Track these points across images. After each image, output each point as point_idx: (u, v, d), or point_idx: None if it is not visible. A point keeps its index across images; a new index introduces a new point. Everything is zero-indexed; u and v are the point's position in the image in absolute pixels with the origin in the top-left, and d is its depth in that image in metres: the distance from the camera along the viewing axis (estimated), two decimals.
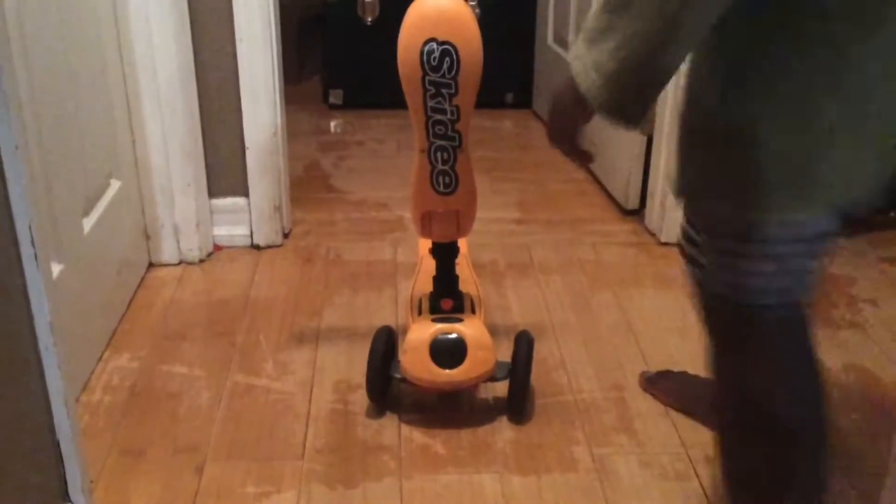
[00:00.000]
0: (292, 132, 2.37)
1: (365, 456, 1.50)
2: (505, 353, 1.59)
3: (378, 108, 3.11)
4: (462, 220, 1.52)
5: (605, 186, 2.53)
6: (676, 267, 2.14)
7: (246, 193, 2.15)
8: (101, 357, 1.75)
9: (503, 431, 1.56)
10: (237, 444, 1.52)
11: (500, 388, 1.61)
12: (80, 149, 1.69)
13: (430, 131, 1.41)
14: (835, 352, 1.79)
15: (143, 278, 2.03)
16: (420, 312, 1.58)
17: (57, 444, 1.20)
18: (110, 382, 1.68)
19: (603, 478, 1.45)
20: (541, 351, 1.78)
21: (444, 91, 1.37)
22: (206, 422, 1.57)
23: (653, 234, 2.26)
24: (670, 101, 2.14)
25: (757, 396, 1.08)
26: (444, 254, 1.57)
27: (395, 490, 1.42)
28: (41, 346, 1.14)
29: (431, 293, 1.58)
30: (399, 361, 1.55)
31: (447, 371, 1.49)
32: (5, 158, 1.06)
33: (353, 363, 1.74)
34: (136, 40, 1.90)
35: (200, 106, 2.05)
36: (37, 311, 1.13)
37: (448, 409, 1.62)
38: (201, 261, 2.11)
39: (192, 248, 2.09)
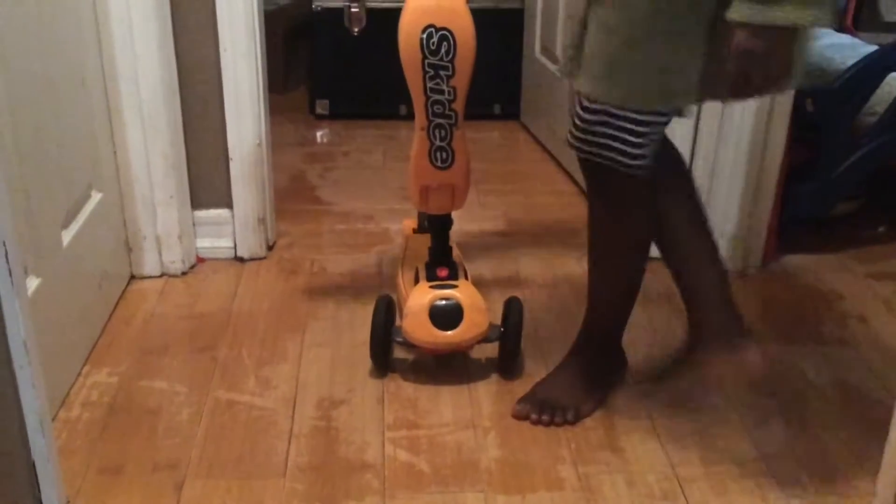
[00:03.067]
0: (278, 143, 2.35)
1: (348, 475, 1.47)
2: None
3: (364, 119, 3.09)
4: (457, 194, 1.66)
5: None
6: (662, 281, 2.12)
7: (230, 205, 2.12)
8: (79, 372, 1.71)
9: (488, 450, 1.54)
10: (217, 461, 1.49)
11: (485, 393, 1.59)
12: (59, 160, 1.66)
13: (430, 110, 1.55)
14: (823, 368, 1.78)
15: (124, 291, 2.00)
16: (417, 281, 1.71)
17: (32, 465, 1.17)
18: (89, 398, 1.64)
19: (589, 497, 1.43)
20: (528, 365, 1.76)
21: (442, 73, 1.51)
22: (186, 439, 1.54)
23: None
24: None
25: (629, 228, 1.53)
26: (440, 225, 1.71)
27: None
28: (15, 365, 1.11)
29: (427, 263, 1.71)
30: (400, 326, 1.68)
31: (445, 333, 1.63)
32: None
33: (337, 379, 1.71)
34: (118, 50, 1.87)
35: (183, 116, 2.02)
36: (11, 330, 1.10)
37: (436, 406, 1.60)
38: (184, 273, 2.08)
39: (175, 260, 2.06)
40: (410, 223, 2.07)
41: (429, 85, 1.53)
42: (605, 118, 1.35)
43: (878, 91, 2.15)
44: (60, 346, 1.63)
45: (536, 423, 1.59)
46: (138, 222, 2.01)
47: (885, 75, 2.14)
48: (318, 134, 3.10)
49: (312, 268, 2.15)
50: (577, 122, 1.39)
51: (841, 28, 2.54)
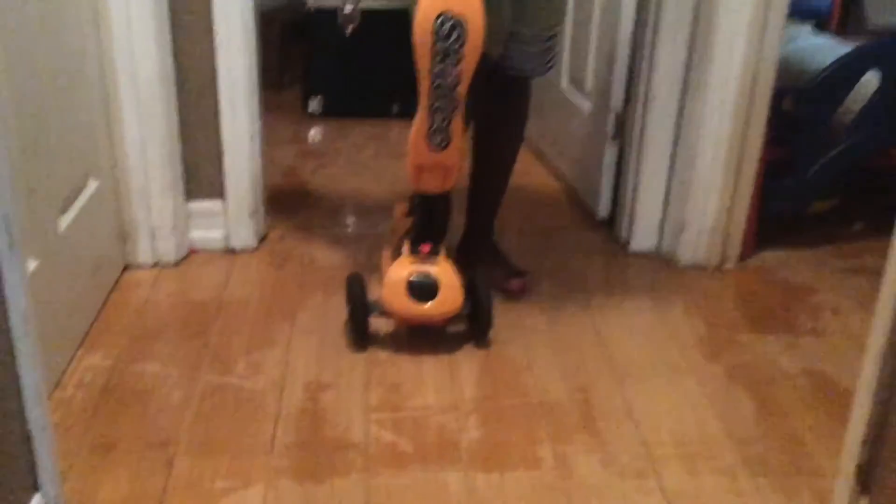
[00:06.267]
0: (271, 140, 2.40)
1: (333, 453, 1.53)
2: None
3: (357, 117, 3.15)
4: (448, 175, 1.72)
5: (576, 196, 2.57)
6: (646, 275, 2.19)
7: (222, 197, 2.18)
8: (73, 355, 1.76)
9: (469, 431, 1.59)
10: (207, 440, 1.55)
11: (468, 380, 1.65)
12: (58, 148, 1.72)
13: (433, 93, 1.61)
14: (794, 357, 1.84)
15: (117, 279, 2.05)
16: (400, 254, 1.80)
17: (28, 436, 1.22)
18: (83, 380, 1.69)
19: (564, 475, 1.49)
20: (510, 354, 1.81)
21: (449, 59, 1.58)
22: (177, 419, 1.60)
23: (623, 244, 2.30)
24: (640, 113, 2.20)
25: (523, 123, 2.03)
26: (430, 204, 1.77)
27: (361, 486, 1.45)
28: (14, 335, 1.16)
29: (412, 236, 1.79)
30: (378, 300, 1.78)
31: (421, 306, 1.73)
32: None
33: (324, 364, 1.77)
34: (116, 44, 1.93)
35: (179, 110, 2.08)
36: (11, 301, 1.15)
37: (418, 389, 1.65)
38: (176, 263, 2.14)
39: (168, 250, 2.12)
40: (402, 207, 2.13)
41: (436, 68, 1.59)
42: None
43: (855, 90, 2.21)
44: (55, 329, 1.68)
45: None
46: (133, 212, 2.06)
47: (860, 74, 2.20)
48: (312, 131, 3.16)
49: (303, 259, 2.20)
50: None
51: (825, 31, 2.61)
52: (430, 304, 1.73)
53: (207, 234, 2.20)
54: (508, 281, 2.02)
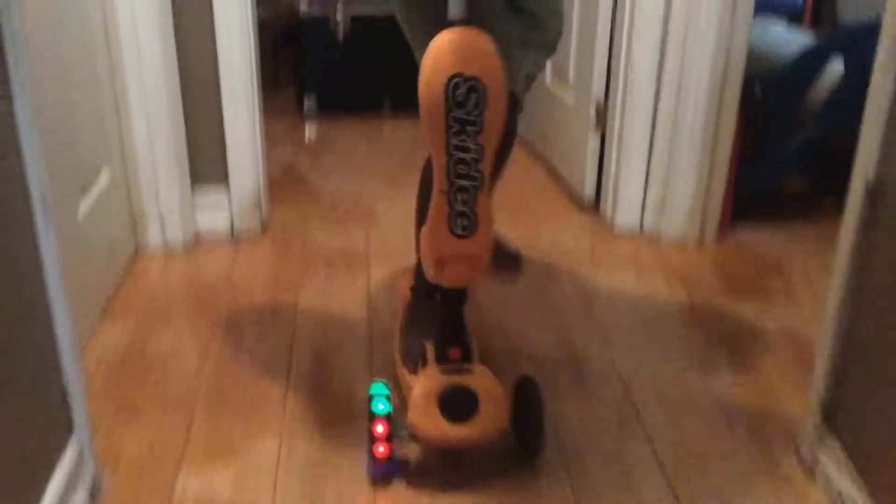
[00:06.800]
0: (269, 139, 2.52)
1: (339, 403, 1.64)
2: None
3: (349, 114, 3.29)
4: (477, 265, 1.40)
5: (563, 182, 2.71)
6: (630, 252, 2.31)
7: (227, 186, 2.30)
8: (93, 331, 1.87)
9: None
10: (223, 399, 1.66)
11: None
12: (74, 138, 1.84)
13: (452, 171, 1.34)
14: (769, 320, 1.97)
15: (130, 262, 2.17)
16: (425, 363, 1.48)
17: (63, 384, 1.33)
18: (103, 352, 1.81)
19: (557, 428, 1.61)
20: (504, 320, 1.93)
21: (469, 128, 1.31)
22: (194, 382, 1.71)
23: (608, 227, 2.43)
24: (619, 102, 2.34)
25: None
26: (455, 300, 1.48)
27: (365, 432, 1.56)
28: (50, 289, 1.27)
29: (437, 341, 1.48)
30: (405, 420, 1.44)
31: (459, 427, 1.41)
32: (21, 120, 1.20)
33: (329, 333, 1.89)
34: (124, 48, 2.05)
35: (184, 103, 2.21)
36: (48, 268, 1.26)
37: None
38: (185, 248, 2.25)
39: (176, 235, 2.24)
40: (405, 281, 1.88)
41: (453, 142, 1.31)
42: None
43: (822, 76, 2.35)
44: (75, 306, 1.79)
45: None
46: (143, 200, 2.18)
47: (826, 60, 2.34)
48: (307, 129, 3.29)
49: (304, 244, 2.32)
50: None
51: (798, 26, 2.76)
52: (470, 423, 1.41)
53: (213, 221, 2.32)
54: (504, 264, 2.12)
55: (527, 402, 1.49)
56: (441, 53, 1.27)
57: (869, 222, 1.36)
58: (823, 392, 1.47)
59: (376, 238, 2.34)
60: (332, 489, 1.44)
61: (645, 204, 2.38)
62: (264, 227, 2.39)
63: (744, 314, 2.00)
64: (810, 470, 1.48)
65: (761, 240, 2.36)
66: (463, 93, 1.28)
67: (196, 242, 2.29)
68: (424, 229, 1.39)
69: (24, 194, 1.24)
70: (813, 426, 1.48)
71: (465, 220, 1.37)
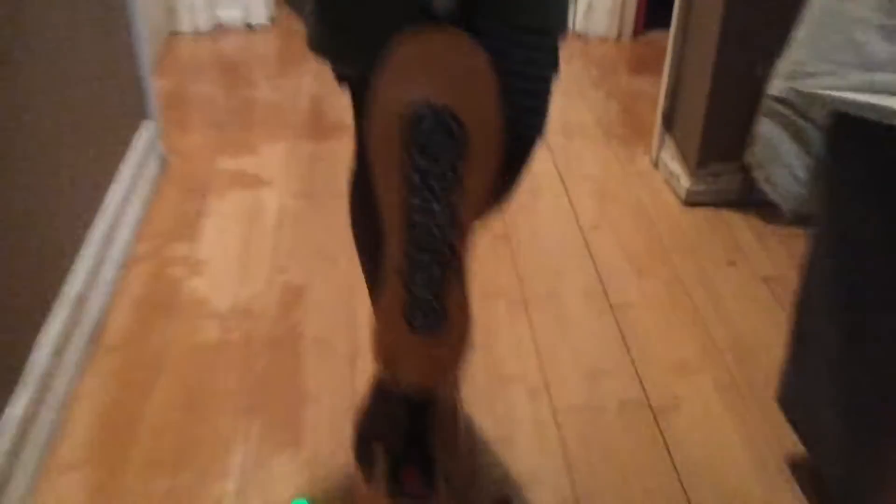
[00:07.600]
0: None
1: (334, 125, 2.28)
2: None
3: None
4: (444, 366, 1.03)
5: None
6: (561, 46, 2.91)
7: None
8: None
9: None
10: (248, 122, 2.30)
11: None
12: None
13: (409, 243, 0.94)
14: (656, 85, 2.59)
15: (166, 41, 2.77)
16: (370, 475, 1.12)
17: (139, 77, 1.96)
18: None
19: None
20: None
21: (435, 184, 0.90)
22: (225, 117, 2.34)
23: None
24: None
25: None
26: (416, 408, 1.11)
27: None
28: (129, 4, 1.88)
29: (389, 452, 1.13)
30: None
31: None
32: None
33: (326, 84, 2.51)
34: None
35: None
36: None
37: None
38: (210, 33, 2.85)
39: (203, 21, 2.83)
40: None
41: (411, 201, 0.91)
42: None
43: None
44: None
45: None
46: None
47: None
48: None
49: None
50: None
51: None
52: None
53: (231, 13, 2.90)
54: None
55: None
56: (402, 69, 0.87)
57: None
58: (665, 105, 2.10)
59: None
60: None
61: (576, 10, 2.96)
62: (272, 20, 2.97)
63: (638, 83, 2.62)
64: (654, 162, 2.14)
65: (667, 37, 2.95)
66: (427, 130, 0.87)
67: (217, 29, 2.89)
68: (373, 312, 1.02)
69: None
70: (658, 132, 2.13)
71: (425, 312, 0.98)
